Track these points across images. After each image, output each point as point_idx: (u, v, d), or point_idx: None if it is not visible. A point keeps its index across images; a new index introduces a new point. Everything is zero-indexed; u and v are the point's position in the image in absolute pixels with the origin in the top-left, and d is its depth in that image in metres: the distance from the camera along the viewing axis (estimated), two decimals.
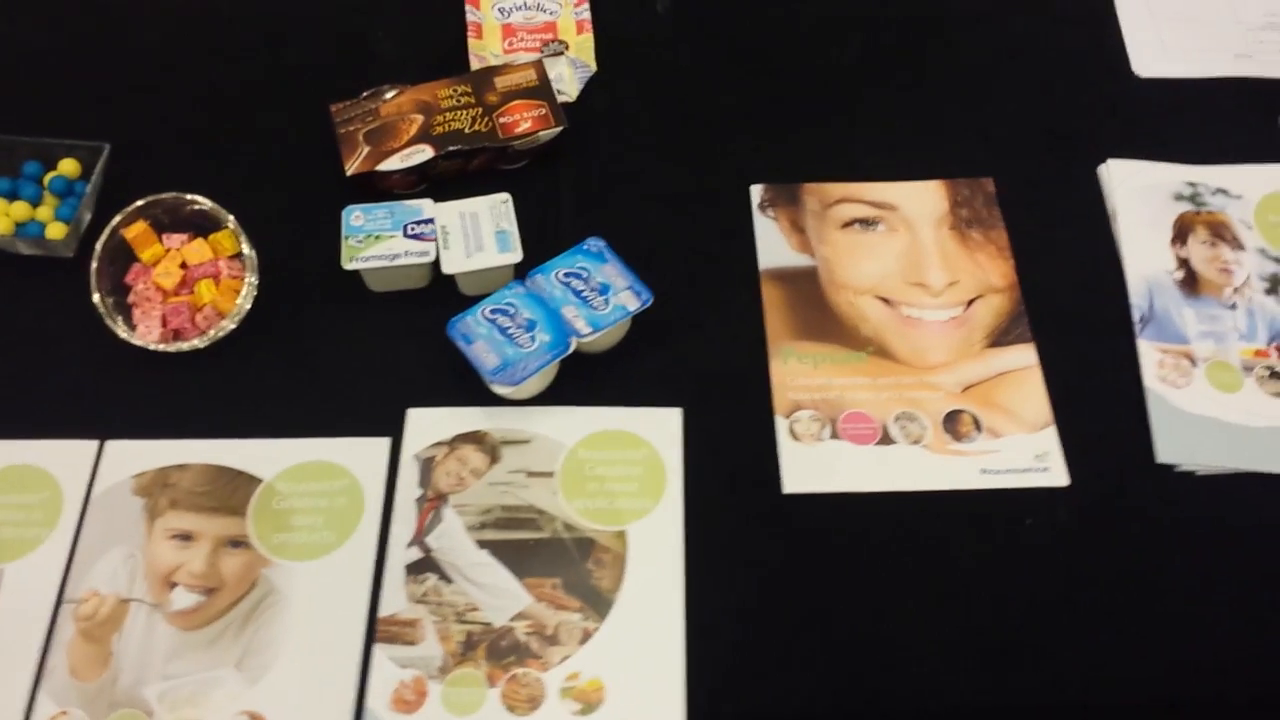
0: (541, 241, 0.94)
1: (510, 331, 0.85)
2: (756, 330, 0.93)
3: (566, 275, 0.89)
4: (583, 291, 0.88)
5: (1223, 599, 0.80)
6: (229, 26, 1.12)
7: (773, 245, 0.97)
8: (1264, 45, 1.11)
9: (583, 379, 0.90)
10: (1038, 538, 0.83)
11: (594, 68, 1.09)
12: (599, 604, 0.80)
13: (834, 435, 0.87)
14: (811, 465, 0.86)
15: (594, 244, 0.91)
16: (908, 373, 0.90)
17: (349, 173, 0.96)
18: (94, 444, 0.86)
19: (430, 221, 0.92)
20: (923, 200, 1.00)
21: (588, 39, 1.11)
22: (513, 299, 0.87)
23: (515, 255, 0.91)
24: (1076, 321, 0.93)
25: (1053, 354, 0.91)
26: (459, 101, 1.00)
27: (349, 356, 0.91)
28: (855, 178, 1.01)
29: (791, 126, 1.06)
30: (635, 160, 1.04)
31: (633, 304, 0.88)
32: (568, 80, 1.06)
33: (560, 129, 0.99)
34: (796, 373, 0.90)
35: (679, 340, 0.92)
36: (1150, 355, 0.90)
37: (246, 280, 0.89)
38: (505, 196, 0.94)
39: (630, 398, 0.89)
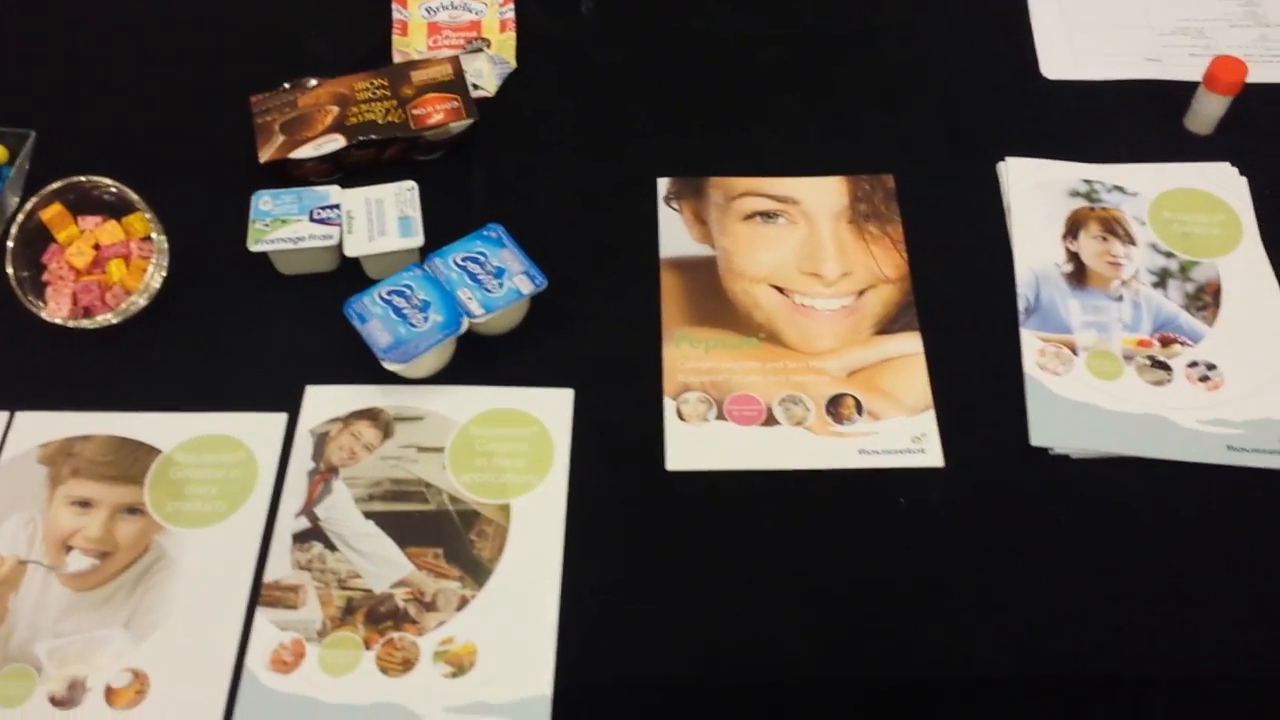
0: (453, 229, 0.97)
1: (405, 312, 0.88)
2: (653, 316, 0.95)
3: (464, 259, 0.91)
4: (478, 275, 0.90)
5: (1089, 578, 0.82)
6: (162, 20, 1.16)
7: (675, 236, 1.00)
8: (1173, 49, 1.14)
9: (481, 360, 0.92)
10: (911, 516, 0.85)
11: (513, 65, 1.12)
12: (478, 573, 0.82)
13: (720, 416, 0.90)
14: (695, 444, 0.88)
15: (493, 230, 0.93)
16: (796, 358, 0.93)
17: (262, 160, 0.99)
18: (3, 415, 0.89)
19: (336, 207, 0.95)
20: (824, 195, 1.02)
21: (510, 37, 1.14)
22: (410, 281, 0.90)
23: (417, 240, 0.94)
24: (964, 312, 0.95)
25: (938, 342, 0.94)
26: (375, 94, 1.04)
27: (255, 336, 0.94)
28: (762, 174, 1.04)
29: (704, 125, 1.09)
30: (549, 154, 1.07)
31: (526, 287, 0.91)
32: (487, 76, 1.09)
33: (471, 121, 1.02)
34: (688, 356, 0.93)
35: (577, 325, 0.95)
36: (1032, 344, 0.92)
37: (154, 260, 0.92)
38: (411, 184, 0.97)
39: (525, 379, 0.92)
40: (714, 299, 0.96)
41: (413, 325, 0.87)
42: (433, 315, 0.88)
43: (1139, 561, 0.83)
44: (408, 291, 0.89)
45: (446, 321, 0.88)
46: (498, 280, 0.90)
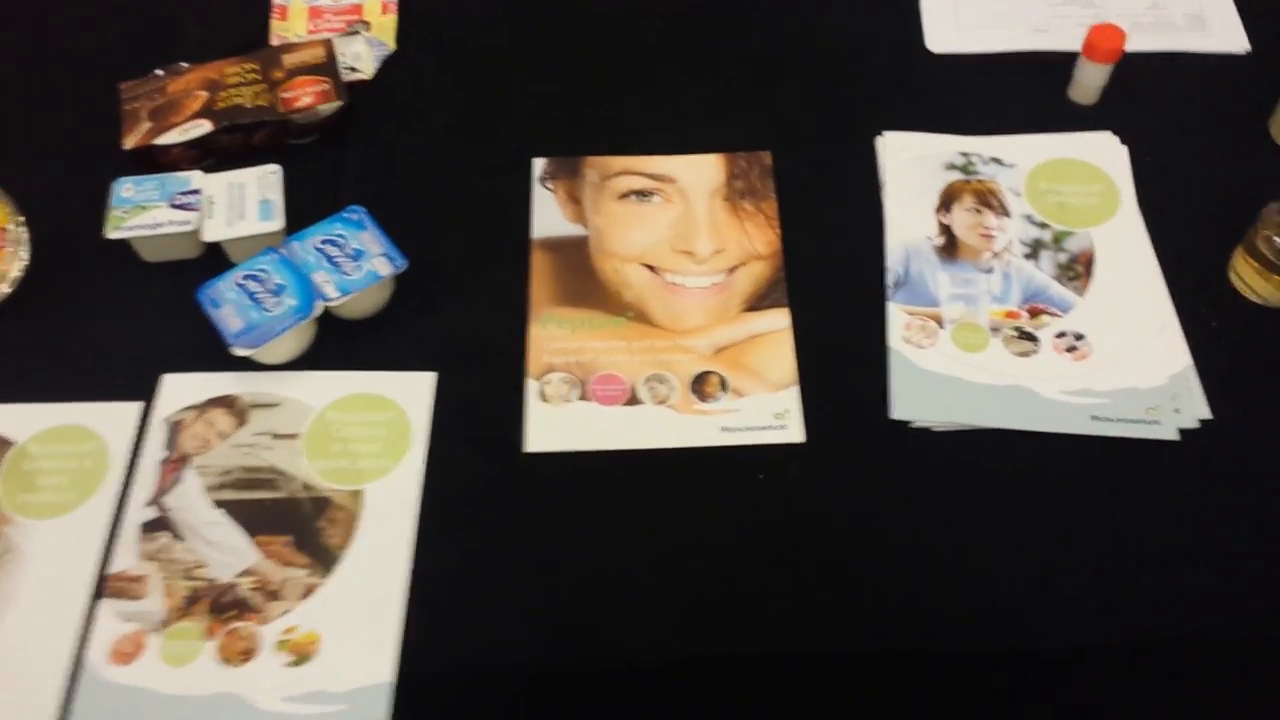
0: (326, 213, 0.95)
1: (258, 296, 0.87)
2: (522, 298, 0.94)
3: (323, 242, 0.90)
4: (336, 257, 0.89)
5: (949, 551, 0.81)
6: (32, 4, 1.14)
7: (548, 216, 0.99)
8: (1061, 19, 1.13)
9: (343, 344, 0.91)
10: (770, 493, 0.84)
11: (392, 47, 1.10)
12: (326, 560, 0.81)
13: (583, 397, 0.88)
14: (556, 426, 0.87)
15: (354, 212, 0.92)
16: (663, 336, 0.92)
17: (126, 146, 0.98)
18: None
19: (198, 192, 0.94)
20: (701, 172, 1.01)
21: (391, 19, 1.12)
22: (265, 264, 0.89)
23: (277, 224, 0.92)
24: (835, 287, 0.94)
25: (807, 318, 0.92)
26: (245, 78, 1.02)
27: (116, 325, 0.93)
28: (641, 153, 1.03)
29: (584, 105, 1.08)
30: (425, 136, 1.05)
31: (385, 270, 0.89)
32: (364, 59, 1.08)
33: (340, 104, 1.01)
34: (554, 337, 0.91)
35: (444, 307, 0.94)
36: (898, 317, 0.91)
37: (11, 249, 0.91)
38: (275, 168, 0.96)
39: (389, 363, 0.91)
40: (584, 279, 0.95)
41: (266, 310, 0.86)
42: (287, 299, 0.87)
43: (1000, 534, 0.82)
44: (262, 275, 0.88)
45: (300, 305, 0.87)
46: (356, 263, 0.89)
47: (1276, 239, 0.87)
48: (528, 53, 1.11)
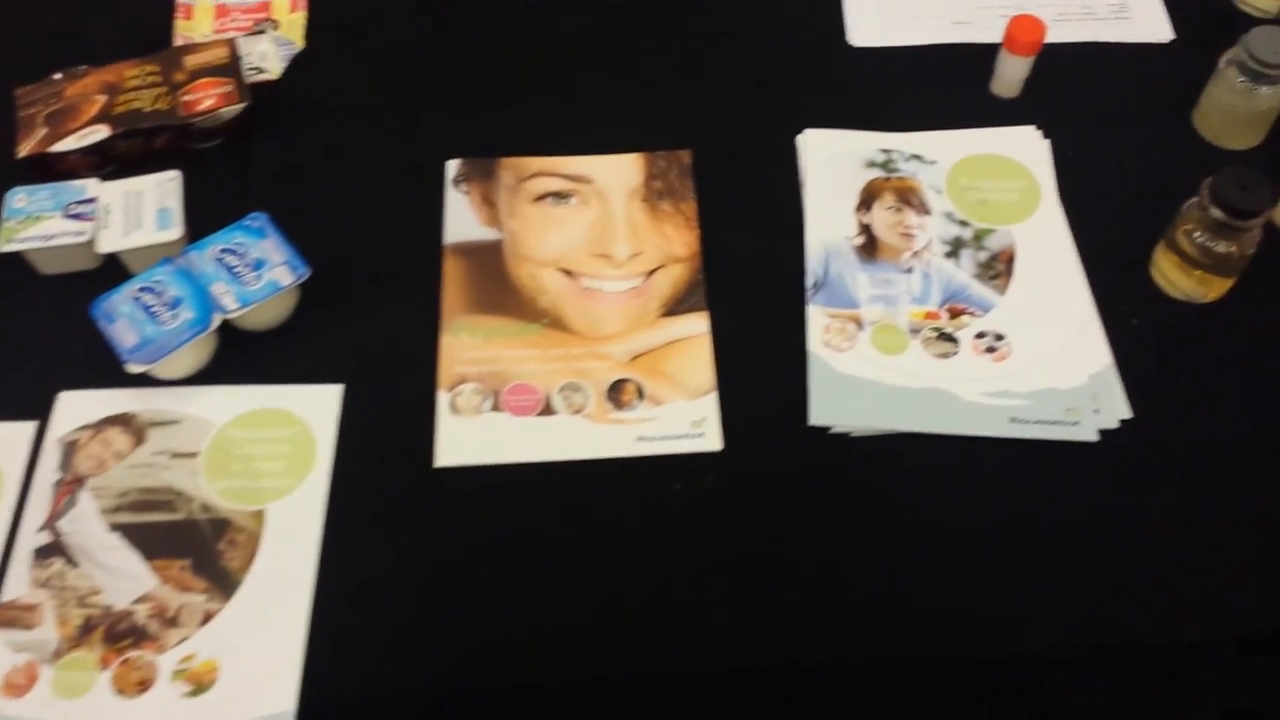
0: (231, 220, 0.92)
1: (154, 310, 0.84)
2: (434, 306, 0.92)
3: (222, 251, 0.87)
4: (235, 267, 0.86)
5: (869, 557, 0.80)
6: None
7: (461, 220, 0.96)
8: (984, 11, 1.11)
9: (247, 357, 0.88)
10: (687, 503, 0.82)
11: (300, 45, 1.07)
12: (226, 584, 0.78)
13: (495, 408, 0.86)
14: (468, 439, 0.85)
15: (255, 219, 0.89)
16: (579, 344, 0.89)
17: (20, 155, 0.94)
18: None
19: (93, 201, 0.90)
20: (619, 173, 0.99)
21: (300, 17, 1.09)
22: (161, 276, 0.85)
23: (174, 233, 0.89)
24: (755, 289, 0.93)
25: (726, 322, 0.91)
26: (145, 81, 0.99)
27: (12, 340, 0.90)
28: (560, 153, 1.00)
29: (501, 103, 1.05)
30: (336, 137, 1.02)
31: (286, 279, 0.86)
32: (271, 58, 1.05)
33: (244, 106, 0.97)
34: (466, 346, 0.89)
35: (353, 317, 0.91)
36: (818, 320, 0.90)
37: None
38: (174, 174, 0.92)
39: (294, 375, 0.88)
40: (498, 285, 0.92)
41: (161, 324, 0.83)
42: (183, 312, 0.84)
43: (920, 538, 0.81)
44: (158, 288, 0.85)
45: (197, 319, 0.83)
46: (256, 273, 0.86)
47: (1196, 234, 0.86)
48: (444, 49, 1.08)
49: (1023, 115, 1.03)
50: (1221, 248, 0.86)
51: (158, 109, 0.96)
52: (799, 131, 1.02)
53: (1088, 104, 1.04)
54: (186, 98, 0.97)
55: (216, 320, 0.84)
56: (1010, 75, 1.02)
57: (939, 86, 1.06)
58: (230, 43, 1.01)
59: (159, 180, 0.92)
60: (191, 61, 1.00)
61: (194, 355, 0.85)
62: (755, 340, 0.90)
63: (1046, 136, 1.01)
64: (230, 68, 1.00)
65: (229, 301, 0.84)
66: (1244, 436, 0.84)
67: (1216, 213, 0.84)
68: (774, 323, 0.91)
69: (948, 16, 1.11)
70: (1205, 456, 0.83)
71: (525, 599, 0.79)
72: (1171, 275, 0.90)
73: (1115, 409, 0.85)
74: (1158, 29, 1.09)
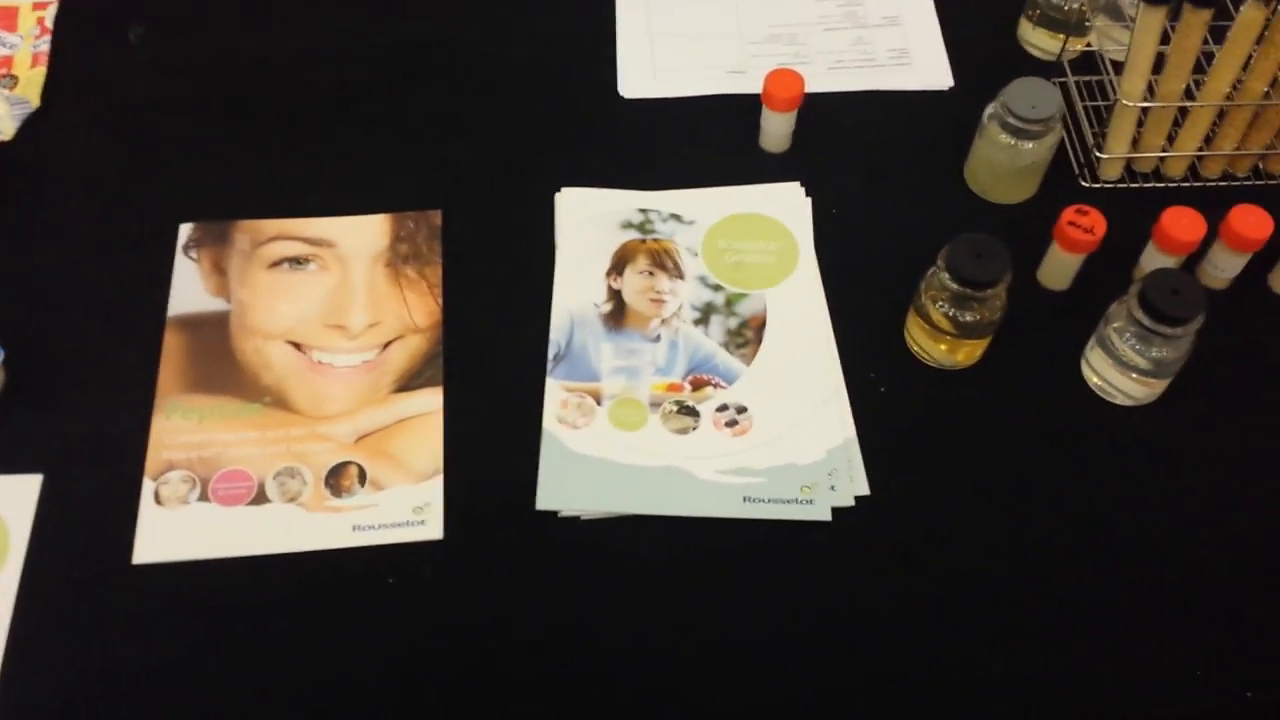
0: None
1: None
2: (150, 385, 0.86)
3: None
4: None
5: (593, 651, 0.76)
6: None
7: (188, 289, 0.91)
8: (761, 59, 1.08)
9: None
10: (405, 597, 0.78)
11: (36, 104, 1.01)
12: None
13: (203, 497, 0.81)
14: (171, 531, 0.80)
15: None
16: (302, 423, 0.84)
17: None
18: None
19: None
20: (363, 235, 0.94)
21: (40, 73, 1.03)
22: None
23: None
24: (497, 362, 0.88)
25: (462, 398, 0.86)
26: None
27: None
28: (304, 214, 0.95)
29: (247, 163, 1.00)
30: (67, 202, 0.97)
31: None
32: (3, 118, 0.98)
33: None
34: (179, 430, 0.84)
35: (59, 399, 0.85)
36: (555, 395, 0.86)
37: None
38: None
39: None
40: (219, 361, 0.87)
41: None
42: None
43: (648, 627, 0.77)
44: None
45: None
46: None
47: (939, 303, 0.83)
48: (189, 106, 1.03)
49: (792, 170, 1.00)
50: (967, 316, 0.83)
51: None
52: (556, 189, 0.98)
53: (860, 157, 1.02)
54: None
55: None
56: (773, 130, 0.99)
57: (710, 141, 1.02)
58: None
59: None
60: None
61: None
62: (491, 418, 0.86)
63: (814, 192, 0.98)
64: None
65: None
66: (973, 523, 0.82)
67: (952, 283, 0.81)
68: (513, 398, 0.87)
69: (722, 66, 1.07)
70: (938, 536, 0.80)
71: (225, 710, 0.73)
72: (922, 342, 0.87)
73: (853, 486, 0.82)
74: (938, 76, 1.07)
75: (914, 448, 0.85)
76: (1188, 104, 0.92)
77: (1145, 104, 0.91)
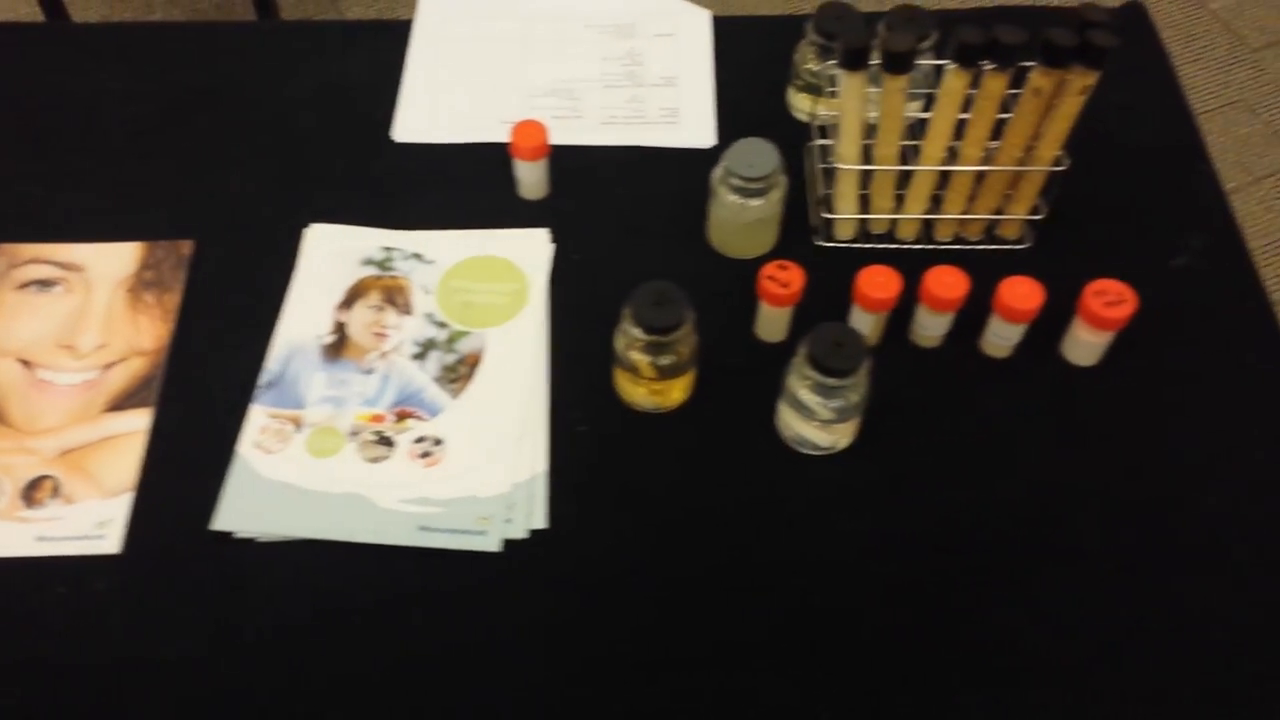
0: None
1: None
2: None
3: None
4: None
5: (244, 671, 0.78)
6: None
7: None
8: (538, 111, 1.12)
9: None
10: (78, 610, 0.80)
11: None
12: None
13: None
14: None
15: None
16: (12, 437, 0.87)
17: None
18: None
19: None
20: (113, 262, 0.98)
21: None
22: None
23: None
24: (215, 388, 0.91)
25: (172, 420, 0.89)
26: None
27: None
28: (65, 240, 0.99)
29: (19, 190, 1.03)
30: None
31: None
32: None
33: None
34: None
35: None
36: (257, 420, 0.88)
37: None
38: None
39: None
40: None
41: None
42: None
43: (302, 652, 0.79)
44: None
45: None
46: None
47: (633, 353, 0.86)
48: None
49: (546, 218, 1.04)
50: (663, 359, 0.86)
51: None
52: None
53: (615, 208, 1.05)
54: None
55: None
56: (525, 178, 1.03)
57: (471, 186, 1.06)
58: None
59: None
60: None
61: None
62: (196, 440, 0.88)
63: (564, 240, 1.02)
64: None
65: None
66: (643, 559, 0.84)
67: (637, 331, 0.84)
68: (221, 423, 0.89)
69: (500, 116, 1.11)
70: (609, 571, 0.83)
71: None
72: (624, 387, 0.90)
73: (530, 519, 0.84)
74: (703, 135, 1.11)
75: (604, 486, 0.87)
76: (892, 168, 0.95)
77: (851, 167, 0.94)
